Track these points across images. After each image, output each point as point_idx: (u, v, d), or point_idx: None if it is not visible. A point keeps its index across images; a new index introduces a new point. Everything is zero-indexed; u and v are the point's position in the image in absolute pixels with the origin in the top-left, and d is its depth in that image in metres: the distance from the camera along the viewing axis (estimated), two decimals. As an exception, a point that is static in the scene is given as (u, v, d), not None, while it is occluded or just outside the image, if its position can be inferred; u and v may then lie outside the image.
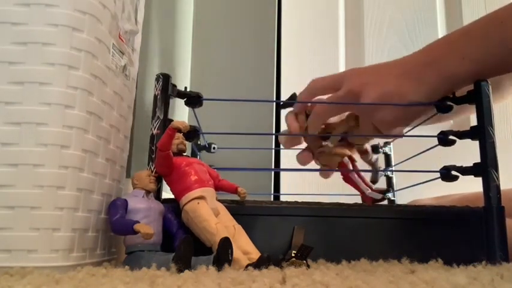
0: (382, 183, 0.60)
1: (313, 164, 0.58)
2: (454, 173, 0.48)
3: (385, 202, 0.57)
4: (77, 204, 0.37)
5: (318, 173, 0.57)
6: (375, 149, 0.64)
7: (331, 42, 1.00)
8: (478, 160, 0.46)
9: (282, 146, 0.58)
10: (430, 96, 0.47)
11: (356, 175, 0.53)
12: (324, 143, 0.55)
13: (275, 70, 0.97)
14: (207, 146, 0.66)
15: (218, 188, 0.45)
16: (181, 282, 0.28)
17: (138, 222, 0.37)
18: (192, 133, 0.53)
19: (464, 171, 0.47)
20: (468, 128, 0.48)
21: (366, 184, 0.53)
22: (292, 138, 0.55)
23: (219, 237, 0.36)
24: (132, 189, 0.42)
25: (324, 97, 0.53)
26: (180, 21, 0.94)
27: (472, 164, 0.46)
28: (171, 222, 0.42)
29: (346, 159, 0.54)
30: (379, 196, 0.51)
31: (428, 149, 0.54)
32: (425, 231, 0.46)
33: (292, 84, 0.97)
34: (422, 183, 0.53)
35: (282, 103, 0.58)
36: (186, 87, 0.51)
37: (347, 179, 0.55)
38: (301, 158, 0.56)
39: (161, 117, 0.47)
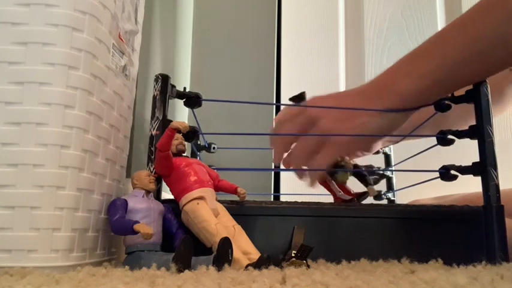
0: (382, 184, 0.60)
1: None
2: (453, 172, 0.48)
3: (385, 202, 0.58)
4: (77, 204, 0.37)
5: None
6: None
7: (331, 42, 1.00)
8: (477, 159, 0.46)
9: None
10: (387, 116, 0.48)
11: (329, 177, 0.54)
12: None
13: (275, 70, 0.98)
14: (206, 146, 0.66)
15: (218, 188, 0.45)
16: (181, 282, 0.28)
17: (138, 222, 0.37)
18: (192, 133, 0.53)
19: (464, 170, 0.47)
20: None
21: (339, 186, 0.54)
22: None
23: (219, 238, 0.36)
24: (132, 189, 0.42)
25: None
26: (180, 21, 0.94)
27: (471, 164, 0.46)
28: (170, 222, 0.42)
29: None
30: (348, 197, 0.53)
31: (427, 149, 0.54)
32: (425, 231, 0.46)
33: (292, 84, 0.97)
34: (422, 182, 0.53)
35: (289, 98, 0.58)
36: (185, 88, 0.51)
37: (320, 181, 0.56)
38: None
39: (160, 117, 0.47)
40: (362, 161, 0.61)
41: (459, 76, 0.46)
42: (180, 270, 0.33)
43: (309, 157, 0.51)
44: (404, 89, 0.47)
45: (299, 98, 0.55)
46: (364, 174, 0.54)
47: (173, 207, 0.43)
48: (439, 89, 0.47)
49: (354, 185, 0.56)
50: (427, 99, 0.48)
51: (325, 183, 0.55)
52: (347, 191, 0.54)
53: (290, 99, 0.58)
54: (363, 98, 0.49)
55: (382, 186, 0.70)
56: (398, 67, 0.49)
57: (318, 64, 0.98)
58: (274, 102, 0.97)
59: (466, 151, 0.48)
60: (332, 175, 0.53)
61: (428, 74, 0.46)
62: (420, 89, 0.46)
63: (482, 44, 0.44)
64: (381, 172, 0.60)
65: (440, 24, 0.99)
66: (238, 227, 0.41)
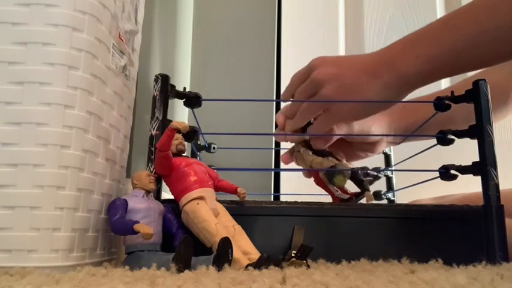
0: (381, 184, 0.60)
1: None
2: (453, 172, 0.48)
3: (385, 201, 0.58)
4: (77, 204, 0.37)
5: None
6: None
7: (331, 42, 1.00)
8: (477, 159, 0.46)
9: (280, 144, 0.60)
10: (383, 93, 0.48)
11: (326, 178, 0.55)
12: (297, 148, 0.58)
13: (275, 70, 0.98)
14: (206, 146, 0.66)
15: (218, 188, 0.45)
16: (181, 282, 0.28)
17: (138, 222, 0.37)
18: (192, 133, 0.53)
19: (464, 170, 0.47)
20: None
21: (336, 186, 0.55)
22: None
23: (219, 238, 0.36)
24: (132, 189, 0.42)
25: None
26: (180, 21, 0.94)
27: (471, 163, 0.46)
28: (170, 222, 0.42)
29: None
30: (346, 196, 0.53)
31: (427, 149, 0.54)
32: (425, 231, 0.46)
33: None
34: (422, 182, 0.53)
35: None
36: (184, 88, 0.51)
37: (318, 181, 0.56)
38: (283, 158, 0.61)
39: (160, 117, 0.47)
40: (358, 163, 0.61)
41: (462, 63, 0.46)
42: (180, 270, 0.33)
43: (308, 118, 0.53)
44: (406, 69, 0.47)
45: None
46: (362, 180, 0.54)
47: (173, 207, 0.43)
48: (440, 73, 0.47)
49: (351, 186, 0.56)
50: (426, 81, 0.48)
51: (322, 183, 0.56)
52: (344, 191, 0.54)
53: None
54: (365, 75, 0.49)
55: (382, 186, 0.70)
56: (402, 46, 0.49)
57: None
58: (274, 102, 0.97)
59: (466, 151, 0.48)
60: (330, 179, 0.53)
61: (432, 58, 0.46)
62: (422, 72, 0.46)
63: (489, 35, 0.44)
64: (375, 173, 0.60)
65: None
66: (238, 227, 0.41)
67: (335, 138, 0.55)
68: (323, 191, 0.58)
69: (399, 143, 0.63)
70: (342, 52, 1.00)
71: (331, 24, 1.01)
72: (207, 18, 1.01)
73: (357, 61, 0.51)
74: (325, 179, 0.54)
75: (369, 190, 0.54)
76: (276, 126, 0.59)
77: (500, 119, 0.66)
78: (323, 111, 0.52)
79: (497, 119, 0.63)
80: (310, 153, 0.56)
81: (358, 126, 0.57)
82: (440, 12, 1.00)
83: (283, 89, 0.96)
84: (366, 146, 0.60)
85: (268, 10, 1.00)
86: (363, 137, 0.58)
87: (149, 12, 0.68)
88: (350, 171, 0.54)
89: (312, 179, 0.58)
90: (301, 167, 0.59)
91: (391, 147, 0.71)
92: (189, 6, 1.01)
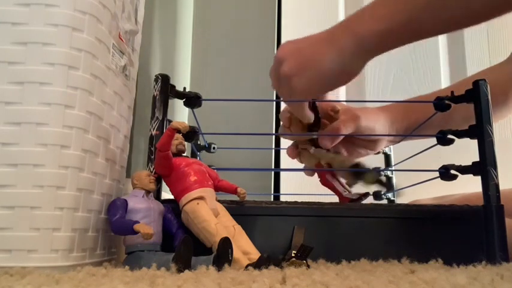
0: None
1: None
2: (453, 172, 0.48)
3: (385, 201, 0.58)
4: (77, 204, 0.37)
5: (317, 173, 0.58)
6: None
7: (331, 42, 1.00)
8: (477, 159, 0.46)
9: (281, 144, 0.60)
10: (343, 60, 0.47)
11: (334, 178, 0.55)
12: (303, 146, 0.57)
13: (275, 70, 0.97)
14: (206, 146, 0.66)
15: (218, 188, 0.45)
16: (181, 282, 0.28)
17: (138, 222, 0.37)
18: (192, 134, 0.53)
19: (464, 170, 0.47)
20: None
21: (343, 186, 0.55)
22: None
23: (219, 238, 0.36)
24: (132, 189, 0.42)
25: None
26: (180, 21, 0.94)
27: (471, 163, 0.46)
28: (170, 222, 0.42)
29: (322, 161, 0.55)
30: (356, 196, 0.53)
31: (427, 149, 0.54)
32: (425, 231, 0.46)
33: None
34: (422, 182, 0.53)
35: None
36: (184, 88, 0.51)
37: (324, 181, 0.56)
38: (289, 151, 0.59)
39: (160, 117, 0.47)
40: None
41: (418, 23, 0.45)
42: (180, 270, 0.33)
43: (285, 98, 0.53)
44: (360, 30, 0.46)
45: None
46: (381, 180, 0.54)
47: (173, 207, 0.43)
48: (397, 34, 0.46)
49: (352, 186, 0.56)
50: (383, 44, 0.46)
51: (329, 184, 0.55)
52: (349, 190, 0.54)
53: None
54: (323, 43, 0.49)
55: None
56: (360, 10, 0.48)
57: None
58: (274, 102, 0.97)
59: (466, 151, 0.48)
60: (358, 177, 0.53)
61: (386, 17, 0.45)
62: (376, 32, 0.45)
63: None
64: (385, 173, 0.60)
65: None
66: (238, 227, 0.41)
67: (341, 136, 0.55)
68: (323, 191, 0.58)
69: (399, 142, 0.63)
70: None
71: (331, 24, 1.01)
72: (207, 18, 1.01)
73: (317, 34, 0.50)
74: (350, 178, 0.54)
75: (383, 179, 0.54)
76: (276, 128, 0.59)
77: (500, 119, 0.66)
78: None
79: (497, 119, 0.63)
80: (324, 151, 0.55)
81: (364, 123, 0.56)
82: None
83: (283, 89, 0.97)
84: (368, 143, 0.60)
85: (268, 10, 1.01)
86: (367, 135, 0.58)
87: (149, 12, 0.68)
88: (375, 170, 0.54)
89: (313, 178, 0.58)
90: (302, 165, 0.59)
91: (391, 146, 0.71)
92: (189, 6, 1.01)
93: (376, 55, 0.47)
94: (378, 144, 0.61)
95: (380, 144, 0.61)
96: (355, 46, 0.46)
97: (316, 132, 0.54)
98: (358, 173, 0.52)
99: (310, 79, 0.48)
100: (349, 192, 0.54)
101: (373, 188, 0.58)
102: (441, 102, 0.48)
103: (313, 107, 0.54)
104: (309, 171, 0.59)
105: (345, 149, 0.58)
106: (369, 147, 0.61)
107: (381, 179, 0.53)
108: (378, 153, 0.67)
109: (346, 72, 0.48)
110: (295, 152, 0.58)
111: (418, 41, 0.46)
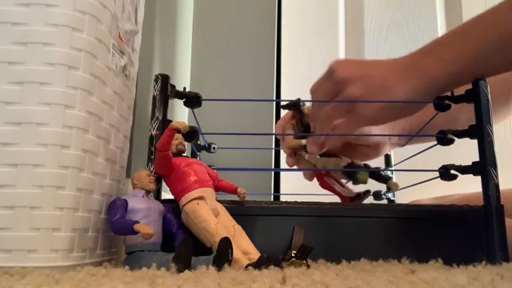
0: (382, 184, 0.60)
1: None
2: (453, 172, 0.48)
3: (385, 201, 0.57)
4: (77, 204, 0.37)
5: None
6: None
7: (331, 42, 1.00)
8: (477, 159, 0.46)
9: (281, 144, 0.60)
10: (412, 95, 0.48)
11: (332, 179, 0.55)
12: (299, 152, 0.57)
13: (275, 70, 0.98)
14: (206, 146, 0.66)
15: (218, 188, 0.45)
16: (181, 282, 0.28)
17: (138, 222, 0.37)
18: (192, 134, 0.53)
19: (464, 170, 0.47)
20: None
21: (342, 185, 0.55)
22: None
23: (219, 238, 0.36)
24: (132, 189, 0.42)
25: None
26: (180, 21, 0.94)
27: (471, 163, 0.46)
28: (170, 222, 0.42)
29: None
30: (354, 194, 0.53)
31: (427, 149, 0.54)
32: (425, 231, 0.46)
33: (292, 84, 0.97)
34: (422, 182, 0.53)
35: (282, 105, 0.59)
36: (184, 88, 0.51)
37: (323, 184, 0.56)
38: (288, 163, 0.59)
39: (160, 117, 0.47)
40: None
41: (487, 65, 0.46)
42: (180, 270, 0.33)
43: (332, 121, 0.51)
44: (434, 72, 0.47)
45: (293, 106, 0.56)
46: (379, 173, 0.54)
47: (173, 207, 0.43)
48: (467, 75, 0.47)
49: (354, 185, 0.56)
50: (454, 84, 0.48)
51: (327, 185, 0.55)
52: (349, 189, 0.54)
53: (282, 107, 0.58)
54: (396, 76, 0.49)
55: (382, 186, 0.70)
56: (429, 50, 0.49)
57: (318, 64, 0.98)
58: (274, 102, 0.97)
59: (467, 151, 0.48)
60: (351, 177, 0.53)
61: (457, 61, 0.46)
62: (448, 74, 0.47)
63: (504, 40, 0.44)
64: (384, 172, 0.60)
65: (440, 24, 0.99)
66: (238, 227, 0.41)
67: (331, 143, 0.54)
68: (323, 191, 0.58)
69: (403, 145, 0.63)
70: (342, 52, 1.00)
71: (331, 24, 1.01)
72: (207, 18, 1.01)
73: (382, 64, 0.51)
74: (345, 177, 0.53)
75: (390, 179, 0.54)
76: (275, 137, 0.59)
77: (501, 120, 0.66)
78: (346, 113, 0.51)
79: (498, 120, 0.63)
80: (318, 156, 0.55)
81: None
82: (440, 13, 1.00)
83: (283, 89, 0.97)
84: (369, 149, 0.60)
85: (268, 10, 1.00)
86: (365, 140, 0.58)
87: (149, 12, 0.68)
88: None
89: (314, 181, 0.58)
90: (302, 168, 0.59)
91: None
92: (189, 6, 1.01)
93: (446, 92, 0.49)
94: (380, 149, 0.61)
95: (383, 149, 0.61)
96: (430, 85, 0.48)
97: (312, 133, 0.54)
98: (351, 173, 0.52)
99: (381, 108, 0.48)
100: (349, 191, 0.54)
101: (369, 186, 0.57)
102: (441, 102, 0.48)
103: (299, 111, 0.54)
104: (308, 176, 0.59)
105: (344, 156, 0.58)
106: (371, 152, 0.61)
107: (378, 172, 0.53)
108: None
109: (416, 106, 0.49)
110: (293, 160, 0.59)
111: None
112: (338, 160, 0.54)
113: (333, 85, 0.50)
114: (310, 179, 0.59)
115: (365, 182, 0.52)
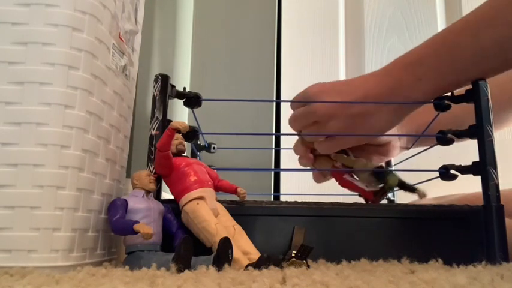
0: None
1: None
2: (453, 172, 0.48)
3: (385, 201, 0.57)
4: (77, 204, 0.37)
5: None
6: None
7: (331, 42, 1.00)
8: (477, 159, 0.46)
9: (280, 144, 0.59)
10: (391, 118, 0.49)
11: (352, 177, 0.54)
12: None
13: (275, 70, 0.98)
14: (206, 146, 0.66)
15: (218, 188, 0.45)
16: (181, 282, 0.28)
17: (138, 222, 0.37)
18: (192, 133, 0.53)
19: (464, 170, 0.47)
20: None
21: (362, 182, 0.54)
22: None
23: (219, 238, 0.36)
24: (132, 189, 0.42)
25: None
26: (180, 22, 0.94)
27: (471, 163, 0.46)
28: (170, 222, 0.42)
29: (338, 164, 0.55)
30: (378, 186, 0.52)
31: (427, 149, 0.54)
32: (425, 230, 0.46)
33: (292, 84, 0.97)
34: (422, 182, 0.53)
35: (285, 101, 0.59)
36: (185, 88, 0.51)
37: (343, 182, 0.56)
38: (302, 161, 0.58)
39: (160, 117, 0.47)
40: None
41: (465, 79, 0.47)
42: (180, 270, 0.33)
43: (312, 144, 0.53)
44: (411, 94, 0.48)
45: None
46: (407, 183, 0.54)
47: (173, 207, 0.43)
48: (444, 90, 0.48)
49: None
50: (432, 99, 0.49)
51: (348, 183, 0.55)
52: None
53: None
54: (370, 97, 0.49)
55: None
56: (403, 69, 0.49)
57: (318, 64, 0.98)
58: (274, 102, 0.97)
59: (467, 151, 0.48)
60: (381, 180, 0.52)
61: (435, 79, 0.47)
62: (426, 93, 0.48)
63: (488, 52, 0.45)
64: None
65: (440, 24, 0.99)
66: (238, 227, 0.41)
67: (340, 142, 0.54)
68: (323, 191, 0.58)
69: (409, 148, 0.63)
70: (341, 51, 1.00)
71: (331, 24, 1.01)
72: (207, 18, 1.01)
73: (358, 88, 0.51)
74: (371, 180, 0.53)
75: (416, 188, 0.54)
76: (276, 128, 0.59)
77: (507, 126, 0.66)
78: (325, 139, 0.52)
79: (500, 127, 0.64)
80: (344, 155, 0.55)
81: None
82: (440, 13, 1.00)
83: (283, 89, 0.97)
84: (379, 149, 0.60)
85: (268, 10, 1.00)
86: (375, 140, 0.58)
87: (149, 12, 0.68)
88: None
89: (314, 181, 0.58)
90: (302, 167, 0.59)
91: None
92: (189, 6, 1.01)
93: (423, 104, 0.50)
94: (390, 151, 0.61)
95: (393, 150, 0.61)
96: (408, 106, 0.49)
97: (308, 133, 0.54)
98: (380, 176, 0.51)
99: (361, 138, 0.50)
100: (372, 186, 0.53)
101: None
102: (441, 102, 0.48)
103: None
104: (319, 176, 0.58)
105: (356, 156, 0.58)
106: (382, 152, 0.61)
107: (403, 181, 0.52)
108: None
109: (399, 120, 0.51)
110: (309, 159, 0.57)
111: None
112: (365, 162, 0.54)
113: (313, 123, 0.51)
114: (320, 180, 0.59)
115: (394, 186, 0.52)
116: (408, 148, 0.63)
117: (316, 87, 0.51)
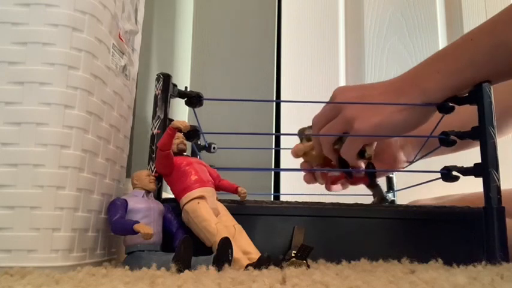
0: (382, 184, 0.60)
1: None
2: (454, 173, 0.48)
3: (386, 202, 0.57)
4: (77, 204, 0.37)
5: (317, 173, 0.58)
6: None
7: (331, 41, 1.00)
8: (479, 160, 0.46)
9: (280, 144, 0.60)
10: (407, 109, 0.49)
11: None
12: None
13: (275, 70, 0.97)
14: (207, 145, 0.66)
15: (218, 187, 0.45)
16: (181, 282, 0.28)
17: (138, 222, 0.37)
18: (193, 133, 0.53)
19: (465, 171, 0.47)
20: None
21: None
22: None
23: (219, 237, 0.36)
24: (132, 189, 0.42)
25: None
26: (180, 21, 0.94)
27: (472, 165, 0.46)
28: (171, 222, 0.42)
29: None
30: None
31: (430, 155, 0.54)
32: (425, 231, 0.46)
33: (292, 84, 0.97)
34: (423, 183, 0.53)
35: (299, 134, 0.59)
36: (186, 87, 0.51)
37: (357, 179, 0.56)
38: (306, 179, 0.60)
39: (161, 116, 0.47)
40: None
41: (481, 76, 0.47)
42: (180, 270, 0.33)
43: (331, 142, 0.54)
44: (427, 84, 0.48)
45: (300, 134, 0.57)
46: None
47: (174, 206, 0.43)
48: (461, 86, 0.48)
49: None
50: (451, 95, 0.49)
51: (361, 179, 0.56)
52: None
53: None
54: (389, 92, 0.50)
55: (382, 186, 0.70)
56: (425, 64, 0.50)
57: (318, 64, 0.98)
58: (274, 102, 0.97)
59: (468, 152, 0.47)
60: (362, 153, 0.53)
61: (452, 73, 0.47)
62: (443, 87, 0.47)
63: (505, 47, 0.45)
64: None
65: (440, 24, 0.99)
66: (239, 227, 0.41)
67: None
68: (323, 191, 0.58)
69: (413, 162, 0.63)
70: (341, 51, 1.00)
71: (331, 24, 1.01)
72: (207, 17, 1.01)
73: (380, 84, 0.52)
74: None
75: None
76: (276, 128, 0.59)
77: (506, 134, 0.66)
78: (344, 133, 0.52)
79: (503, 134, 0.63)
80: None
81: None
82: (440, 13, 1.00)
83: (283, 89, 0.97)
84: (384, 157, 0.61)
85: (268, 9, 1.00)
86: (382, 148, 0.58)
87: (149, 12, 0.68)
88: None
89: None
90: (301, 168, 0.59)
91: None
92: (189, 6, 1.01)
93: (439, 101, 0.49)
94: (394, 158, 0.61)
95: (397, 158, 0.61)
96: (423, 97, 0.48)
97: (309, 133, 0.55)
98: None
99: (375, 125, 0.49)
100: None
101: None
102: (444, 104, 0.48)
103: None
104: (308, 177, 0.59)
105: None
106: (382, 160, 0.61)
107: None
108: None
109: (414, 123, 0.50)
110: (312, 177, 0.59)
111: None
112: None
113: (342, 122, 0.51)
114: (311, 181, 0.59)
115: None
116: (412, 162, 0.63)
117: (340, 87, 0.54)
